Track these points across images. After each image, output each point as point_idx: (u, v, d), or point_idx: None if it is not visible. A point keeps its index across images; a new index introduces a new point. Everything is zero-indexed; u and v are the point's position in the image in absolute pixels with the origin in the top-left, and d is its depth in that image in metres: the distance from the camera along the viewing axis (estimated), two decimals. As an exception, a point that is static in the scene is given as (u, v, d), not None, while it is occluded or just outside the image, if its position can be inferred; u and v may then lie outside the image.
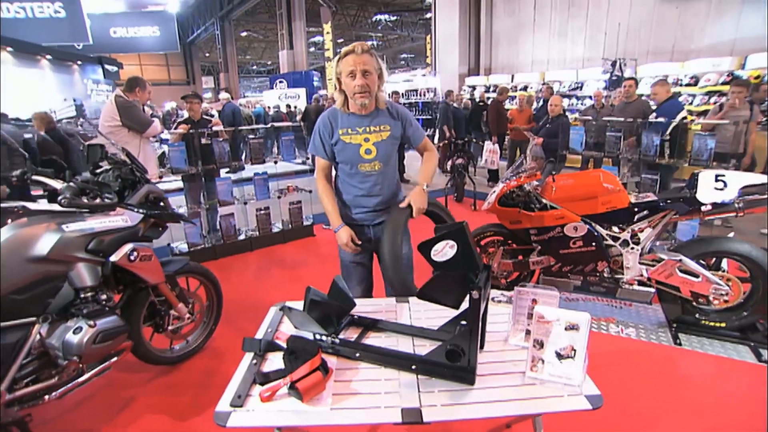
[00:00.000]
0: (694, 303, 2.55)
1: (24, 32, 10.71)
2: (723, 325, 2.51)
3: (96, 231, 1.68)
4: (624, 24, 10.57)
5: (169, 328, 2.28)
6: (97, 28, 15.26)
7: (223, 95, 9.07)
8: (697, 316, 2.59)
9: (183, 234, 4.04)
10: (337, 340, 1.34)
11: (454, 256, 1.15)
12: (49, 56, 8.90)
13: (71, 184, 1.63)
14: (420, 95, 13.41)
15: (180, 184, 4.37)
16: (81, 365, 1.68)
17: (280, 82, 17.69)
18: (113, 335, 1.71)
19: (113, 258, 1.72)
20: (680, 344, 2.49)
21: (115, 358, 1.85)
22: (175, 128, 4.07)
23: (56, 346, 1.60)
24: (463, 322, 1.32)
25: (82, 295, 1.64)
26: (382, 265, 1.75)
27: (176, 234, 4.25)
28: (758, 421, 1.91)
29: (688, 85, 8.60)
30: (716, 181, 2.36)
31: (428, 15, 21.41)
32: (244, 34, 27.91)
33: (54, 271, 1.59)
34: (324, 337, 1.35)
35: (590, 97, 10.04)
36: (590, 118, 5.04)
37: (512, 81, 12.17)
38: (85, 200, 1.65)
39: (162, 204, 2.05)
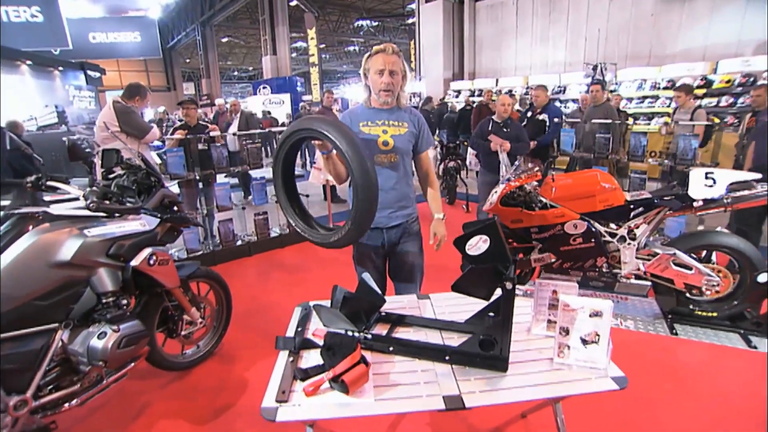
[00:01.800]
0: (688, 294, 2.68)
1: (2, 37, 10.43)
2: (715, 314, 2.65)
3: (116, 236, 1.68)
4: (603, 30, 10.93)
5: (182, 333, 2.28)
6: (76, 33, 14.90)
7: (219, 101, 9.03)
8: (690, 307, 2.72)
9: (181, 240, 4.01)
10: (369, 336, 1.38)
11: (487, 249, 1.21)
12: (29, 62, 8.68)
13: (94, 188, 1.63)
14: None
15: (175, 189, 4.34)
16: (103, 371, 1.67)
17: (264, 87, 17.60)
18: (136, 340, 1.71)
19: (134, 262, 1.72)
20: (676, 334, 2.61)
21: (132, 364, 1.85)
22: (172, 134, 4.05)
23: (80, 352, 1.59)
24: (492, 314, 1.39)
25: (104, 300, 1.64)
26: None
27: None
28: (754, 405, 2.02)
29: (665, 88, 8.93)
30: (706, 178, 2.50)
31: (410, 21, 21.68)
32: (225, 39, 27.70)
33: (77, 276, 1.59)
34: (356, 334, 1.39)
35: (574, 101, 10.36)
36: (578, 120, 5.21)
37: (497, 85, 12.41)
38: (108, 204, 1.66)
39: (176, 208, 2.06)
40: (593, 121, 4.81)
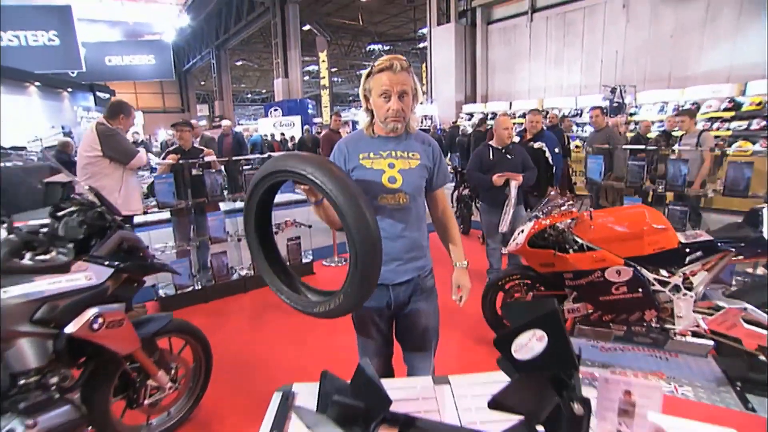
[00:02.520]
0: (763, 358, 2.20)
1: (17, 60, 10.55)
2: (800, 386, 2.16)
3: (47, 295, 1.31)
4: (620, 52, 10.64)
5: (146, 402, 1.87)
6: (93, 56, 15.20)
7: (225, 122, 8.83)
8: None
9: (170, 276, 3.65)
10: (366, 457, 0.97)
11: (544, 350, 0.80)
12: (37, 83, 8.65)
13: (11, 236, 1.27)
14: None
15: (168, 215, 4.01)
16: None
17: (275, 110, 17.62)
18: (64, 432, 1.32)
19: (69, 329, 1.34)
20: (753, 410, 2.12)
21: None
22: (164, 158, 3.74)
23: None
24: (540, 429, 0.97)
25: (22, 382, 1.26)
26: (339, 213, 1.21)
27: (161, 275, 3.87)
28: None
29: (687, 110, 8.51)
30: (785, 218, 2.06)
31: (421, 45, 21.76)
32: (239, 63, 28.17)
33: (-15, 353, 1.22)
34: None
35: (590, 124, 9.97)
36: (608, 146, 4.81)
37: (510, 108, 12.13)
38: (28, 258, 1.29)
39: (140, 254, 1.69)
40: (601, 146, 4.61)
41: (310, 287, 1.46)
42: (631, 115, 9.43)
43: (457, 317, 3.34)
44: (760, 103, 7.88)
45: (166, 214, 4.14)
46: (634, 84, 9.89)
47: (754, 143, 7.78)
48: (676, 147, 5.16)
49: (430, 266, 1.64)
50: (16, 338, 1.25)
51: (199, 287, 3.77)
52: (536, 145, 4.07)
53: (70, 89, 9.88)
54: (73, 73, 13.69)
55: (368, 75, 1.45)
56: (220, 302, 3.80)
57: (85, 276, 1.44)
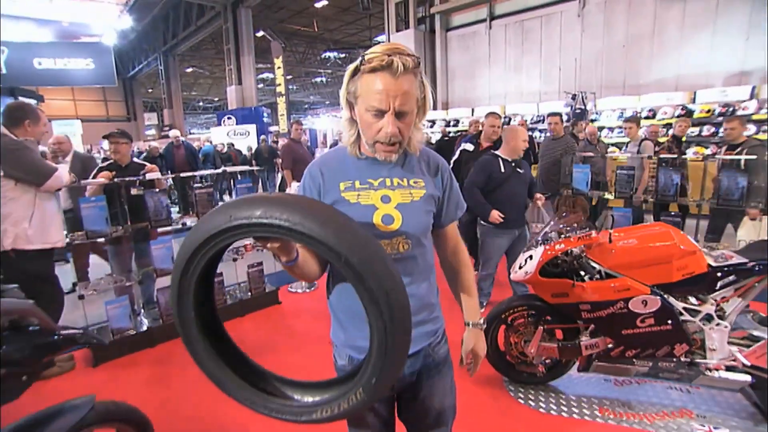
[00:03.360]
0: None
1: None
2: None
3: None
4: (578, 59, 10.86)
5: None
6: (17, 57, 13.65)
7: (173, 133, 8.03)
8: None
9: (105, 315, 3.01)
10: None
11: None
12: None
13: None
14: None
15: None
16: None
17: (229, 118, 16.70)
18: None
19: None
20: (803, 456, 1.87)
21: None
22: (94, 176, 3.10)
23: None
24: None
25: None
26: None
27: (95, 314, 3.22)
28: None
29: (646, 117, 8.74)
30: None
31: (379, 52, 21.54)
32: (189, 69, 26.79)
33: None
34: None
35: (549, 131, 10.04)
36: (592, 154, 4.62)
37: (472, 114, 12.07)
38: None
39: (35, 330, 1.15)
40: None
41: (292, 381, 0.99)
42: (593, 121, 9.57)
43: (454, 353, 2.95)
44: (709, 111, 8.21)
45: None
46: (594, 91, 10.09)
47: (706, 148, 8.09)
48: (620, 155, 5.25)
49: (443, 329, 1.24)
50: None
51: (144, 329, 3.15)
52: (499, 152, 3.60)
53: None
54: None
55: (354, 72, 0.99)
56: (169, 345, 3.18)
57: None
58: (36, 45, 15.00)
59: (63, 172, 2.64)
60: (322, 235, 0.75)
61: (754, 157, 3.23)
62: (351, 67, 0.99)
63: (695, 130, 8.28)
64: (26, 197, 2.52)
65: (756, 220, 3.02)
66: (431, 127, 12.49)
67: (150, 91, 30.20)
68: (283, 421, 0.92)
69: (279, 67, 17.12)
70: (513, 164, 3.09)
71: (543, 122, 10.67)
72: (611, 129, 9.28)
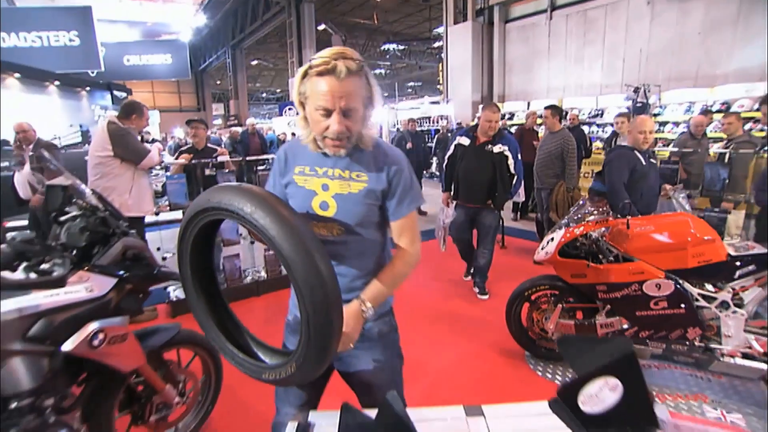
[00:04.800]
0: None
1: (39, 60, 10.70)
2: None
3: (43, 309, 1.20)
4: (644, 50, 10.28)
5: (152, 418, 1.77)
6: (112, 56, 15.39)
7: (250, 121, 8.84)
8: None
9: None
10: None
11: (618, 402, 0.65)
12: (57, 82, 8.75)
13: (3, 246, 1.17)
14: (432, 122, 13.22)
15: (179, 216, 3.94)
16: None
17: (290, 108, 17.59)
18: (60, 460, 1.21)
19: (66, 347, 1.23)
20: (812, 443, 1.92)
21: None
22: (176, 158, 3.66)
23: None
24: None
25: (14, 405, 1.15)
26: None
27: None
28: None
29: (718, 111, 8.15)
30: None
31: (437, 44, 21.51)
32: (254, 62, 28.31)
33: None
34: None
35: (611, 125, 9.67)
36: (691, 150, 4.40)
37: (528, 108, 11.84)
38: (21, 271, 1.18)
39: (146, 262, 1.58)
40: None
41: (263, 345, 1.24)
42: (656, 115, 9.08)
43: (479, 327, 3.18)
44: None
45: (179, 214, 4.08)
46: (659, 83, 9.53)
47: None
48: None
49: (386, 309, 1.32)
50: (7, 358, 1.14)
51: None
52: (496, 148, 3.40)
53: (88, 88, 9.98)
54: (92, 72, 13.89)
55: (304, 75, 1.09)
56: (232, 306, 3.68)
57: (85, 287, 1.33)
58: (125, 44, 16.85)
59: (155, 154, 3.20)
60: (265, 226, 0.91)
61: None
62: (301, 70, 1.09)
63: (775, 125, 7.62)
64: (128, 174, 3.09)
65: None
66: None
67: (218, 83, 32.30)
68: (243, 373, 1.17)
69: (338, 60, 17.70)
70: (647, 156, 3.00)
71: (601, 116, 10.27)
72: (676, 124, 8.76)
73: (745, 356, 2.10)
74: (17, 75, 7.87)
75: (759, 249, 2.06)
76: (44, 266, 1.25)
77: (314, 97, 1.07)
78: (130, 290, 1.49)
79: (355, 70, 1.06)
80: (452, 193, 3.73)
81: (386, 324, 1.32)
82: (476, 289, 3.74)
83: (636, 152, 2.95)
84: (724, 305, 2.08)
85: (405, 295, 3.96)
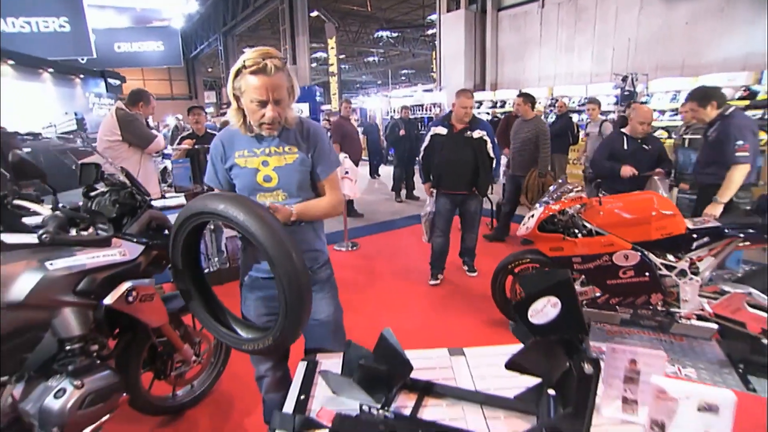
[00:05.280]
0: (766, 341, 2.26)
1: (28, 46, 10.60)
2: (803, 368, 2.22)
3: (87, 268, 1.40)
4: (633, 39, 10.48)
5: (173, 373, 1.98)
6: (102, 42, 15.19)
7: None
8: (769, 356, 2.30)
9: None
10: (390, 415, 1.05)
11: (558, 316, 0.87)
12: (51, 69, 8.74)
13: (57, 213, 1.36)
14: (426, 110, 13.34)
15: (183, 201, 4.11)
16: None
17: (281, 96, 17.57)
18: (106, 395, 1.42)
19: (107, 300, 1.44)
20: (754, 390, 2.19)
21: (106, 417, 1.55)
22: (179, 143, 3.83)
23: (31, 413, 1.30)
24: (551, 392, 1.05)
25: (68, 347, 1.36)
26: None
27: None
28: None
29: (702, 100, 8.40)
30: (793, 205, 2.10)
31: (430, 31, 21.51)
32: (246, 49, 28.02)
33: (33, 319, 1.31)
34: (374, 409, 1.07)
35: (602, 113, 9.89)
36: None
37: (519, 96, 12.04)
38: (74, 233, 1.38)
39: (166, 232, 1.77)
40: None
41: (239, 320, 1.53)
42: (643, 103, 9.33)
43: (467, 299, 3.43)
44: (775, 93, 7.77)
45: (183, 200, 4.25)
46: (646, 72, 9.76)
47: (768, 133, 7.69)
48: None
49: (324, 259, 1.61)
50: (62, 307, 1.34)
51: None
52: (476, 134, 3.48)
53: (82, 76, 9.96)
54: (82, 59, 13.75)
55: (237, 73, 1.31)
56: (233, 284, 3.88)
57: (119, 252, 1.53)
58: (115, 31, 16.63)
59: (161, 139, 3.37)
60: (252, 229, 1.15)
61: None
62: (234, 69, 1.31)
63: (758, 113, 7.89)
64: (135, 158, 3.26)
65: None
66: (478, 108, 12.60)
67: (210, 70, 31.99)
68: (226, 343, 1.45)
69: (332, 48, 17.70)
70: (639, 141, 3.29)
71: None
72: (662, 112, 9.01)
73: (699, 318, 2.36)
74: (11, 62, 7.85)
75: (713, 223, 2.30)
76: (88, 231, 1.44)
77: (249, 91, 1.29)
78: (155, 256, 1.69)
79: (281, 67, 1.30)
80: (432, 182, 3.72)
81: (328, 268, 1.64)
82: (465, 268, 3.98)
83: (624, 137, 3.30)
84: (682, 273, 2.33)
85: (399, 272, 4.19)
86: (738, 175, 2.74)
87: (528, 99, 4.73)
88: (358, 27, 24.11)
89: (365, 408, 1.09)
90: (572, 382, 0.90)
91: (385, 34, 24.61)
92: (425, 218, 3.86)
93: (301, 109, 16.14)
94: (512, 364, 0.94)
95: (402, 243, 5.15)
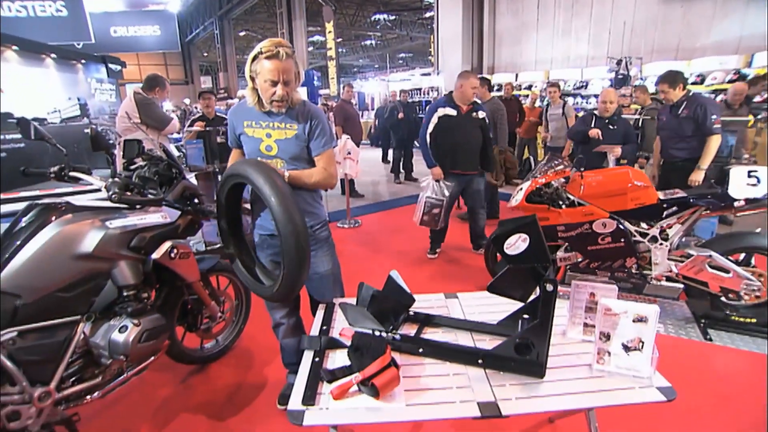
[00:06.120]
0: (724, 299, 2.55)
1: (26, 31, 10.63)
2: (754, 321, 2.51)
3: (138, 227, 1.66)
4: (629, 23, 10.60)
5: (201, 327, 2.26)
6: (98, 27, 15.13)
7: (241, 93, 9.01)
8: (727, 312, 2.59)
9: (200, 232, 4.02)
10: (397, 336, 1.33)
11: (526, 249, 1.14)
12: (53, 55, 8.84)
13: (117, 179, 1.61)
14: (423, 94, 13.45)
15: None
16: (124, 364, 1.65)
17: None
18: (157, 334, 1.69)
19: (154, 255, 1.70)
20: (711, 340, 2.49)
21: (153, 357, 1.83)
22: (190, 126, 4.05)
23: (101, 345, 1.58)
24: (526, 316, 1.32)
25: (125, 294, 1.62)
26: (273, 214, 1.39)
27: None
28: (799, 416, 1.91)
29: (693, 83, 8.60)
30: (749, 176, 2.36)
31: (428, 14, 21.40)
32: (242, 33, 27.83)
33: (99, 269, 1.57)
34: (383, 334, 1.34)
35: (596, 96, 10.08)
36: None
37: (516, 80, 12.17)
38: (130, 196, 1.63)
39: (197, 200, 2.03)
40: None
41: (263, 267, 1.78)
42: (636, 87, 9.50)
43: (464, 270, 3.72)
44: (764, 76, 7.97)
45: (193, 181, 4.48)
46: (641, 56, 9.91)
47: (756, 115, 7.92)
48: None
49: (322, 220, 1.86)
50: (120, 260, 1.60)
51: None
52: (480, 115, 3.63)
53: (83, 61, 10.05)
54: (78, 44, 13.75)
55: (254, 58, 1.58)
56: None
57: (161, 215, 1.78)
58: (111, 15, 16.52)
59: (176, 122, 3.59)
60: (266, 194, 1.37)
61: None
62: (252, 54, 1.59)
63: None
64: (153, 138, 3.48)
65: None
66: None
67: (206, 54, 31.69)
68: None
69: (330, 31, 17.64)
70: (605, 121, 3.74)
71: (585, 88, 10.66)
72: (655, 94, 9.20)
73: (668, 279, 2.64)
74: (15, 47, 7.97)
75: (681, 194, 2.57)
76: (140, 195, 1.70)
77: (264, 73, 1.55)
78: (190, 220, 1.94)
79: (291, 55, 1.57)
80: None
81: (326, 230, 1.88)
82: (474, 247, 4.07)
83: (594, 116, 3.81)
84: (654, 239, 2.60)
85: (399, 247, 4.46)
86: (714, 144, 3.25)
87: (484, 82, 5.07)
88: (355, 10, 23.92)
89: (376, 333, 1.36)
90: (538, 301, 1.17)
91: (382, 17, 24.44)
92: (425, 202, 3.70)
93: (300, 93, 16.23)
94: (492, 287, 1.21)
95: (401, 221, 5.41)
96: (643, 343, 1.19)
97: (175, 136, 6.53)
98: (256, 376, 2.36)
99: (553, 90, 6.01)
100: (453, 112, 3.60)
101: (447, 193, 3.63)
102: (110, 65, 11.20)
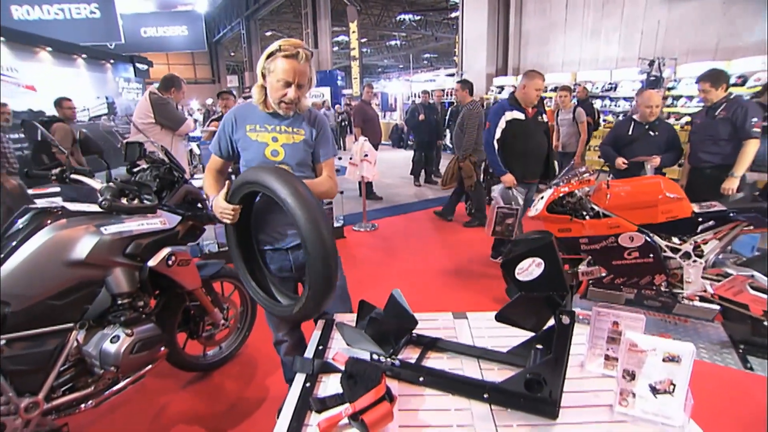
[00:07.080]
0: (767, 323, 2.33)
1: (62, 33, 11.04)
2: (801, 349, 2.28)
3: (134, 234, 1.60)
4: (663, 22, 10.13)
5: (203, 334, 2.20)
6: (129, 27, 15.61)
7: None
8: (769, 338, 2.36)
9: (213, 233, 4.00)
10: (396, 362, 1.22)
11: (541, 274, 1.01)
12: (84, 55, 9.11)
13: (111, 184, 1.56)
14: (447, 95, 13.28)
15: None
16: (118, 375, 1.60)
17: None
18: (151, 344, 1.63)
19: (151, 263, 1.64)
20: (752, 369, 2.27)
21: (150, 366, 1.77)
22: (208, 126, 4.04)
23: (93, 354, 1.53)
24: (539, 346, 1.19)
25: (120, 302, 1.57)
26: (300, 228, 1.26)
27: (206, 233, 4.24)
28: None
29: (734, 85, 8.12)
30: (798, 190, 2.14)
31: (453, 14, 21.13)
32: (269, 33, 28.20)
33: (92, 276, 1.52)
34: (382, 358, 1.23)
35: (626, 99, 9.69)
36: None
37: (543, 81, 11.84)
38: (125, 202, 1.58)
39: (200, 205, 1.97)
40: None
41: (279, 288, 1.63)
42: (669, 89, 9.07)
43: (474, 279, 3.56)
44: (813, 77, 7.45)
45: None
46: (675, 56, 9.45)
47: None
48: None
49: None
50: (114, 266, 1.55)
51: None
52: (544, 118, 3.57)
53: (112, 61, 10.34)
54: (111, 45, 14.19)
55: (270, 55, 1.48)
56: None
57: (160, 221, 1.73)
58: (142, 16, 17.02)
59: (190, 122, 3.58)
60: (291, 208, 1.24)
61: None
62: (268, 50, 1.48)
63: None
64: (166, 139, 3.48)
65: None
66: (500, 92, 12.46)
67: (232, 54, 32.30)
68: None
69: (354, 32, 17.65)
70: (646, 126, 3.34)
71: (614, 90, 10.26)
72: (690, 98, 8.75)
73: (702, 300, 2.43)
74: (49, 49, 8.23)
75: (719, 207, 2.35)
76: (135, 202, 1.64)
77: (278, 72, 1.46)
78: (190, 227, 1.88)
79: (309, 58, 1.50)
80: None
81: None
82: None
83: (632, 122, 3.42)
84: (686, 255, 2.40)
85: (415, 252, 4.34)
86: (752, 148, 3.00)
87: (465, 85, 4.98)
88: (381, 10, 23.87)
89: (374, 357, 1.25)
90: (553, 333, 1.04)
91: (407, 17, 24.30)
92: (497, 212, 3.29)
93: (323, 93, 16.32)
94: (501, 316, 1.09)
95: (419, 226, 5.29)
96: (674, 386, 1.04)
97: (197, 134, 6.60)
98: (258, 387, 2.29)
99: (564, 94, 5.78)
100: (521, 115, 3.33)
101: (521, 202, 3.29)
102: (137, 65, 11.48)
